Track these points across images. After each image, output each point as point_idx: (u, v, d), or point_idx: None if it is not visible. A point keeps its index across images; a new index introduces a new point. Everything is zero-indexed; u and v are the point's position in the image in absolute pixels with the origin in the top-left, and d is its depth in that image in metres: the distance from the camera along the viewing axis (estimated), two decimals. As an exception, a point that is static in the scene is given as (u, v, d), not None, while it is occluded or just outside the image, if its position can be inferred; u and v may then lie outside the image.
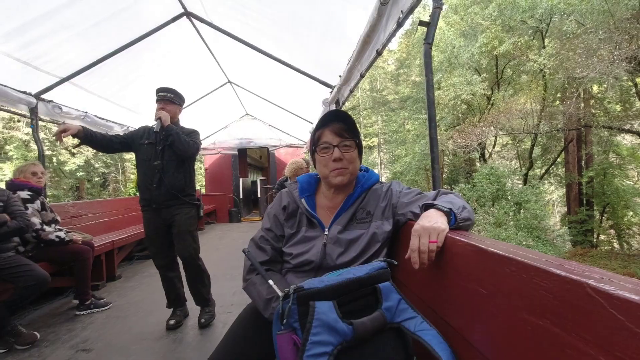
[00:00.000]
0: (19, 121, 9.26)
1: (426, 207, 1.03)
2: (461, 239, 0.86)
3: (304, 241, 1.22)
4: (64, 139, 2.40)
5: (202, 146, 9.73)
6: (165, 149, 2.63)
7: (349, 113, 1.29)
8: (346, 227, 1.20)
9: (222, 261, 4.95)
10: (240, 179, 10.53)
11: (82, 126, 2.50)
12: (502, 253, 0.70)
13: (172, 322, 2.71)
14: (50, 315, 3.11)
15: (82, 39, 3.65)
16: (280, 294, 1.04)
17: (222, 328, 2.65)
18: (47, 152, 11.37)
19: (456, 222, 0.97)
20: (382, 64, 24.07)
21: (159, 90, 2.69)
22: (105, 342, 2.52)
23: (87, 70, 3.99)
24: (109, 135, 2.69)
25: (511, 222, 11.59)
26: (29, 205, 2.95)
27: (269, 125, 10.21)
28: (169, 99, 2.68)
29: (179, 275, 2.84)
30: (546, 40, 13.40)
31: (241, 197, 10.43)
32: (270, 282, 1.09)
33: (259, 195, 10.93)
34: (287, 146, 10.46)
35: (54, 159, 11.53)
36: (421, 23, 1.83)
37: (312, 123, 7.13)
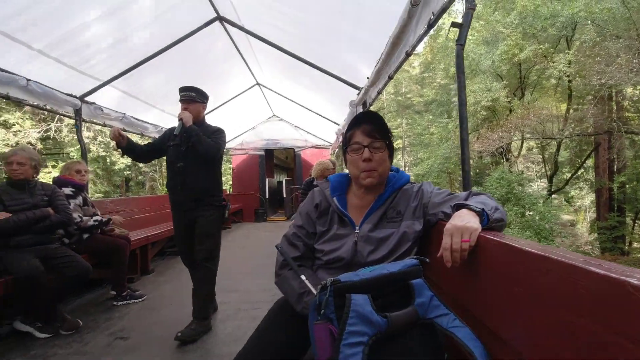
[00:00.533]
0: (53, 121, 10.01)
1: (458, 207, 1.04)
2: (495, 238, 0.87)
3: (335, 239, 1.25)
4: (115, 140, 2.51)
5: (230, 146, 10.10)
6: (188, 150, 2.58)
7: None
8: (377, 225, 1.23)
9: (248, 259, 5.06)
10: (267, 179, 10.71)
11: (127, 136, 2.60)
12: (539, 252, 0.71)
13: (179, 334, 2.46)
14: (90, 304, 3.29)
15: (122, 44, 3.85)
16: (312, 289, 1.08)
17: (250, 322, 2.72)
18: (102, 153, 12.55)
19: (489, 223, 0.97)
20: (407, 67, 23.88)
21: (181, 90, 2.65)
22: (140, 332, 2.65)
23: (126, 74, 4.20)
24: (144, 146, 2.74)
25: (517, 222, 11.89)
26: (71, 200, 3.14)
27: (295, 126, 10.33)
28: (191, 98, 2.63)
29: None
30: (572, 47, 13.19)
31: (267, 196, 10.60)
32: (303, 277, 1.13)
33: (284, 196, 11.07)
34: (312, 147, 10.54)
35: (108, 160, 12.70)
36: (454, 24, 1.82)
37: (338, 124, 7.17)
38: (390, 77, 3.38)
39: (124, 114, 4.80)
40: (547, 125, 13.31)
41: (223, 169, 2.93)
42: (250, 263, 4.78)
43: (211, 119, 2.95)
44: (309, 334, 0.86)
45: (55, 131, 10.81)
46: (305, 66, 4.74)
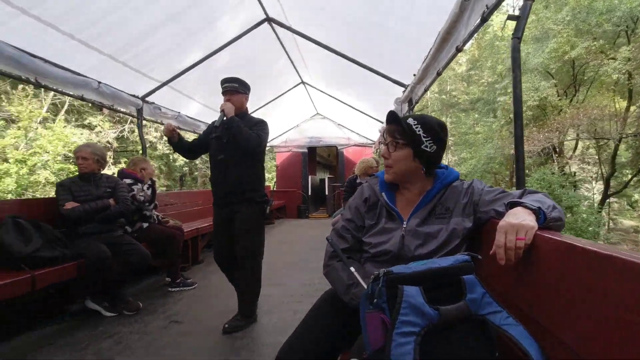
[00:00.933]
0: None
1: (512, 205, 1.02)
2: (554, 237, 0.84)
3: (383, 232, 1.28)
4: (168, 135, 2.64)
5: (274, 144, 10.36)
6: (229, 142, 2.51)
7: (419, 114, 1.34)
8: (425, 221, 1.24)
9: (291, 254, 5.19)
10: (309, 177, 10.86)
11: (179, 133, 2.69)
12: (604, 252, 0.69)
13: (226, 326, 2.54)
14: (149, 289, 3.57)
15: (179, 47, 4.11)
16: (360, 281, 1.12)
17: (293, 315, 2.79)
18: (166, 151, 13.98)
19: (546, 221, 0.95)
20: (453, 64, 23.04)
21: (224, 81, 2.60)
22: (192, 316, 2.83)
23: (181, 75, 4.48)
24: (191, 142, 2.77)
25: None
26: (134, 187, 3.42)
27: (338, 124, 10.37)
28: (234, 88, 2.58)
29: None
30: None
31: (309, 194, 10.76)
32: (352, 269, 1.17)
33: (327, 193, 11.16)
34: (355, 145, 10.53)
35: (171, 157, 14.00)
36: (510, 17, 1.76)
37: (382, 122, 7.10)
38: (439, 74, 3.31)
39: (179, 112, 5.11)
40: (602, 124, 12.34)
41: (268, 166, 2.97)
42: (293, 258, 4.90)
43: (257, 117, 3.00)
44: (360, 323, 0.90)
45: (128, 131, 12.18)
46: (350, 64, 4.76)
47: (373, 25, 3.89)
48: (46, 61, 3.03)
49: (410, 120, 1.27)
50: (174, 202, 4.97)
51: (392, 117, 1.30)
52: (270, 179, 14.16)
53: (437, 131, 1.27)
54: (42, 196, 9.04)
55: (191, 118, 5.50)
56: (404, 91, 4.42)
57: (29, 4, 2.59)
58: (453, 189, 1.27)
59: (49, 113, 10.14)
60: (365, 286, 1.09)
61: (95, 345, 2.35)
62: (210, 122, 2.74)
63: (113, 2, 2.97)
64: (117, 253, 2.86)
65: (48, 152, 9.15)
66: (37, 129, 9.54)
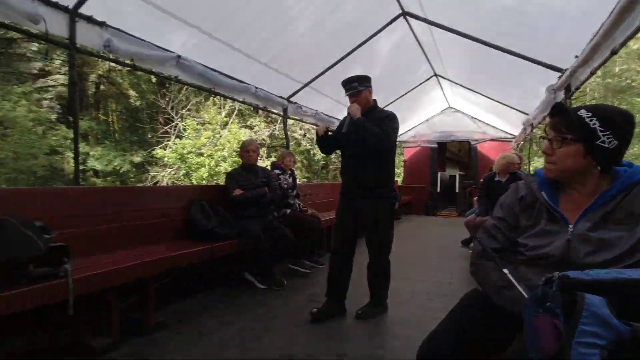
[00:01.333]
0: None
1: None
2: None
3: (542, 234, 1.17)
4: (321, 134, 2.79)
5: (403, 139, 10.22)
6: (357, 140, 2.53)
7: (593, 104, 1.14)
8: (597, 225, 1.08)
9: (419, 250, 5.10)
10: (439, 173, 10.37)
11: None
12: None
13: (314, 310, 2.61)
14: (290, 269, 3.99)
15: (321, 49, 4.45)
16: (515, 283, 1.06)
17: (424, 311, 2.75)
18: (308, 147, 16.23)
19: None
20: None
21: (344, 84, 2.63)
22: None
23: (321, 76, 4.85)
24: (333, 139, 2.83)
25: None
26: (281, 176, 3.92)
27: (472, 117, 9.58)
28: (354, 89, 2.58)
29: (348, 272, 2.78)
30: None
31: (438, 190, 10.28)
32: (505, 270, 1.12)
33: (457, 190, 10.47)
34: (492, 140, 9.56)
35: (311, 151, 16.25)
36: None
37: (527, 114, 6.27)
38: (614, 52, 2.77)
39: (317, 110, 5.56)
40: None
41: (396, 161, 2.96)
42: (421, 254, 4.81)
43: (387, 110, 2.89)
44: (514, 326, 0.86)
45: (278, 130, 14.50)
46: (490, 52, 4.38)
47: (526, 4, 3.48)
48: (220, 73, 3.74)
49: (583, 112, 1.12)
50: (311, 193, 5.44)
51: (558, 108, 1.17)
52: (398, 174, 14.11)
53: (619, 124, 1.09)
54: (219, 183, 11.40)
55: (326, 115, 5.91)
56: (559, 77, 3.84)
57: (214, 28, 3.24)
58: None
59: (226, 117, 12.95)
60: (521, 289, 1.04)
61: (253, 310, 2.80)
62: (342, 118, 2.85)
63: (270, 19, 3.46)
64: (268, 235, 3.31)
65: (225, 149, 11.76)
66: (219, 130, 12.39)
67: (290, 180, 4.04)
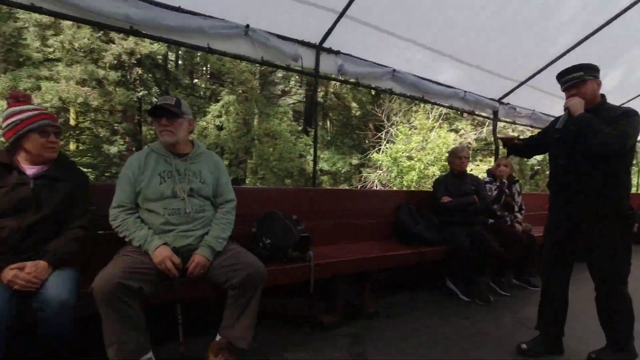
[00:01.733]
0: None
1: None
2: None
3: None
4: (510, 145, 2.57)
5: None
6: (576, 144, 2.06)
7: None
8: None
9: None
10: None
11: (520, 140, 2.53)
12: None
13: (524, 346, 2.28)
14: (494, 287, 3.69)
15: (542, 42, 3.88)
16: None
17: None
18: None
19: None
20: None
21: (561, 76, 2.20)
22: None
23: (542, 71, 4.23)
24: (527, 140, 2.53)
25: None
26: (488, 185, 3.70)
27: None
28: (578, 79, 2.10)
29: (565, 303, 2.30)
30: None
31: None
32: None
33: None
34: None
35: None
36: None
37: None
38: None
39: (533, 110, 4.90)
40: None
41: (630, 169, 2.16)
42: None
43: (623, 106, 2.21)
44: None
45: (486, 132, 14.15)
46: None
47: None
48: (430, 81, 3.85)
49: None
50: (527, 205, 4.82)
51: None
52: (636, 185, 10.85)
53: None
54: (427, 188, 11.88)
55: (545, 114, 5.10)
56: None
57: (428, 40, 3.37)
58: None
59: (434, 122, 13.65)
60: None
61: (457, 321, 2.77)
62: (555, 117, 2.38)
63: (480, 20, 3.33)
64: (474, 244, 3.20)
65: (434, 152, 12.37)
66: (427, 134, 13.17)
67: (496, 192, 3.73)
